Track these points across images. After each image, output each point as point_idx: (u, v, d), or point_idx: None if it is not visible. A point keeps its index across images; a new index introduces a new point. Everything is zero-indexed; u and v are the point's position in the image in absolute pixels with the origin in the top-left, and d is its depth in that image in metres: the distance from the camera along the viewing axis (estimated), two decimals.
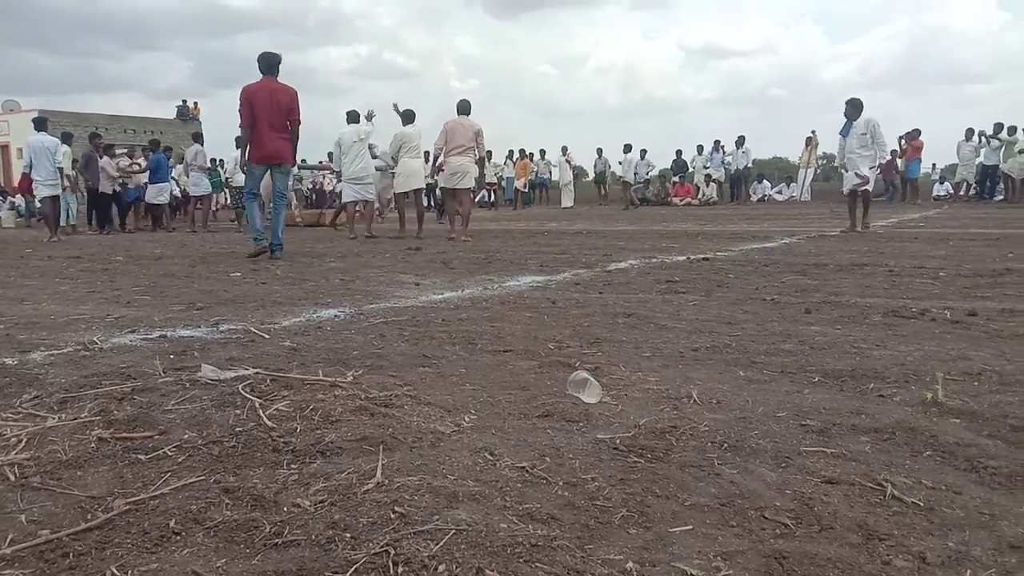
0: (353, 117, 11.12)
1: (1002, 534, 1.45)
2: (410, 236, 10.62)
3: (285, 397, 2.39)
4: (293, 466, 1.85)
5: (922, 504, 1.58)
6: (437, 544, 1.41)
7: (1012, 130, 18.45)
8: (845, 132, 10.11)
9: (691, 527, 1.50)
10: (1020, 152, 11.79)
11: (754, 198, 23.65)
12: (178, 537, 1.49)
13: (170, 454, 1.94)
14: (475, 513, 1.54)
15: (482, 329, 3.56)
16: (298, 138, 7.93)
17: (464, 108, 10.08)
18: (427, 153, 12.68)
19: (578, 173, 24.90)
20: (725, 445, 1.94)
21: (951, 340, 3.22)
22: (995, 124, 18.80)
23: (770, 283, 5.16)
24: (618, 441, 1.98)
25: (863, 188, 10.09)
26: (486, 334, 3.44)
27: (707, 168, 23.07)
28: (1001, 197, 19.12)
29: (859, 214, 10.35)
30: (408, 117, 10.61)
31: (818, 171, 28.63)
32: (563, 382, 2.51)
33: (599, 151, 24.96)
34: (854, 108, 10.01)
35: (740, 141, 22.98)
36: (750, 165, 23.73)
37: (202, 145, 14.84)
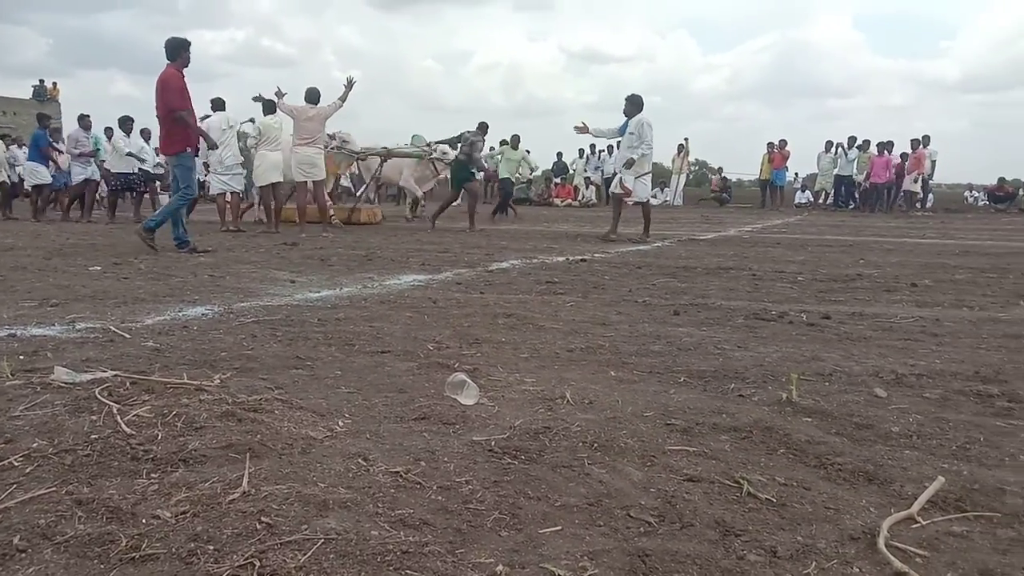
0: (219, 104, 10.68)
1: (844, 527, 1.56)
2: (290, 230, 10.31)
3: (146, 402, 2.26)
4: (153, 475, 1.76)
5: (775, 500, 1.68)
6: (305, 554, 1.38)
7: (866, 144, 19.89)
8: (622, 131, 9.47)
9: (560, 527, 1.53)
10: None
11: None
12: (23, 555, 1.39)
13: (16, 464, 1.81)
14: (346, 521, 1.52)
15: (360, 329, 3.51)
16: (175, 125, 7.45)
17: (312, 96, 9.89)
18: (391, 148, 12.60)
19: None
20: (595, 445, 2.00)
21: (806, 342, 3.43)
22: (849, 137, 20.20)
23: (643, 285, 5.34)
24: (493, 443, 2.00)
25: (635, 201, 9.63)
26: (364, 334, 3.39)
27: (586, 172, 23.58)
28: (855, 206, 20.59)
29: (642, 221, 10.12)
30: (269, 107, 10.31)
31: (690, 176, 29.85)
32: (441, 384, 2.51)
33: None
34: (632, 105, 9.22)
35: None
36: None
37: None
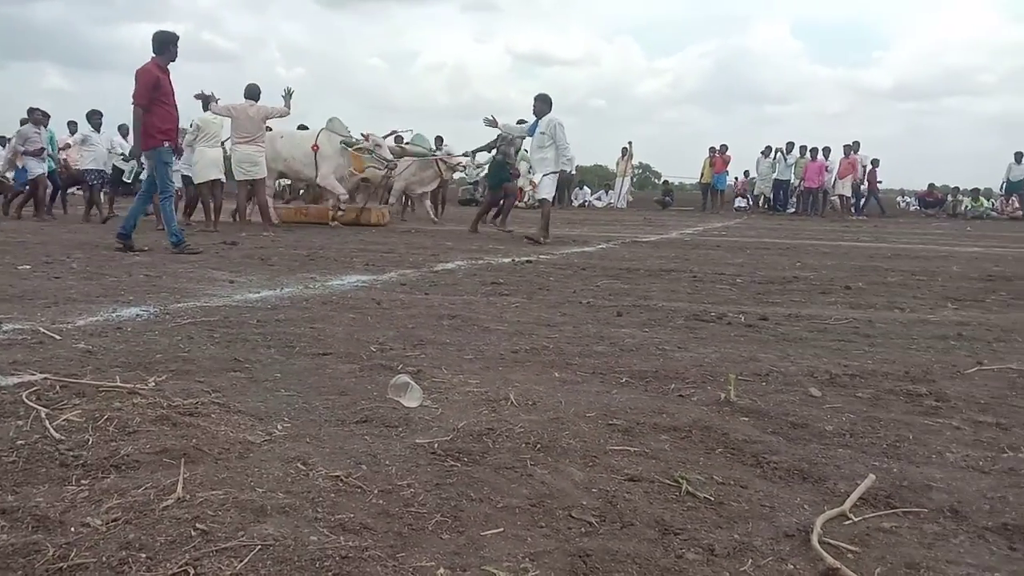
0: None
1: (780, 525, 1.59)
2: (234, 228, 10.09)
3: (76, 406, 2.19)
4: (83, 482, 1.70)
5: (713, 499, 1.71)
6: (241, 561, 1.35)
7: (803, 149, 20.46)
8: (531, 131, 9.47)
9: (502, 529, 1.53)
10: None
11: (575, 203, 24.58)
12: None
13: None
14: (284, 527, 1.49)
15: (301, 331, 3.46)
16: (137, 121, 7.22)
17: (252, 93, 9.71)
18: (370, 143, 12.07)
19: None
20: (538, 446, 2.00)
21: (744, 343, 3.51)
22: (787, 143, 20.77)
23: (587, 287, 5.38)
24: (436, 445, 1.99)
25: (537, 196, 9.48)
26: (305, 336, 3.34)
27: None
28: (793, 210, 21.15)
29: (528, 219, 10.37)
30: (207, 104, 10.11)
31: (634, 179, 30.24)
32: (384, 386, 2.49)
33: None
34: (543, 104, 9.15)
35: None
36: (573, 172, 24.66)
37: None
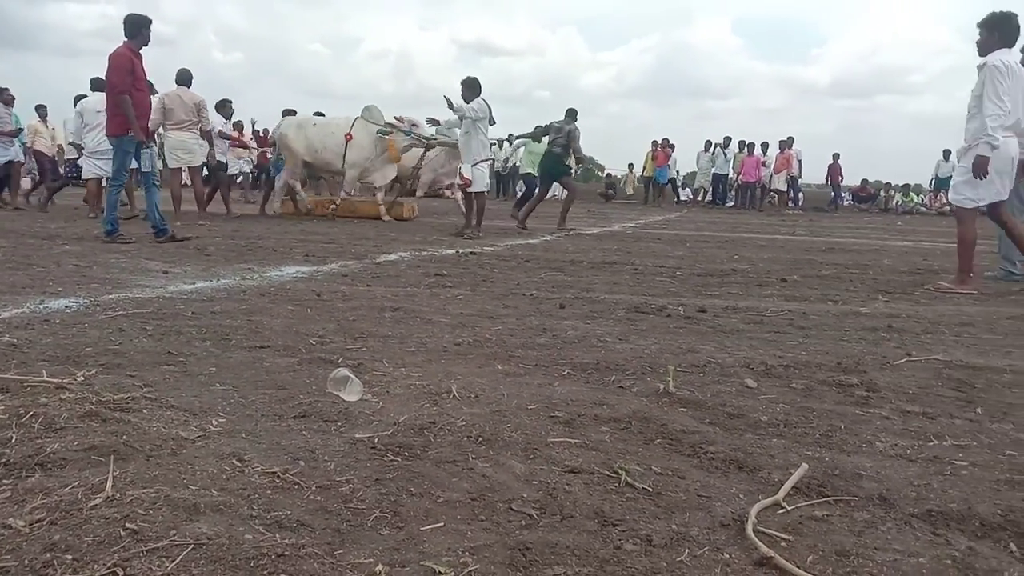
0: (98, 84, 10.03)
1: (716, 514, 1.62)
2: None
3: (0, 402, 2.10)
4: (6, 482, 1.63)
5: (651, 489, 1.73)
6: (172, 561, 1.32)
7: (741, 144, 20.88)
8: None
9: (443, 524, 1.52)
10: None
11: (519, 195, 24.59)
12: None
13: None
14: (218, 525, 1.45)
15: (238, 323, 3.38)
16: (116, 107, 6.96)
17: (184, 79, 9.44)
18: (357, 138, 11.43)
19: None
20: (480, 439, 2.00)
21: (683, 335, 3.56)
22: (725, 137, 21.18)
23: (531, 279, 5.40)
24: (376, 440, 1.97)
25: (470, 189, 9.32)
26: (242, 328, 3.27)
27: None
28: (731, 204, 21.59)
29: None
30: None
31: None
32: (323, 380, 2.45)
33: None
34: (469, 90, 8.84)
35: (510, 139, 23.83)
36: (518, 164, 24.67)
37: None
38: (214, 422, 2.07)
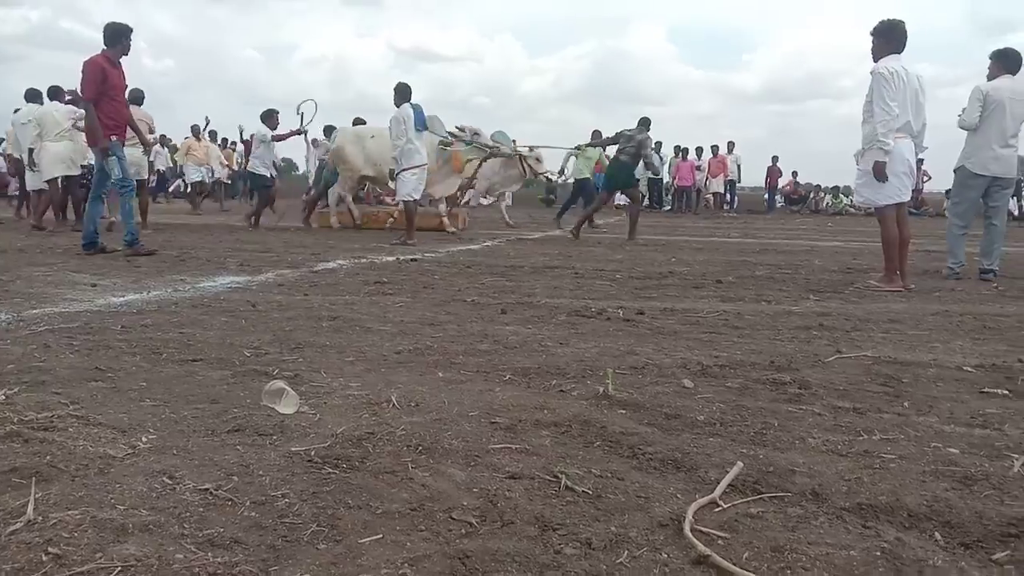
0: (32, 96, 9.72)
1: (654, 514, 1.64)
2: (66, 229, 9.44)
3: None
4: None
5: (591, 492, 1.74)
6: None
7: (676, 149, 21.31)
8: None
9: (381, 535, 1.50)
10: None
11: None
12: None
13: None
14: (147, 545, 1.40)
15: (169, 336, 3.28)
16: (90, 117, 6.75)
17: (136, 98, 9.26)
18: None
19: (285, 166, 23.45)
20: (420, 448, 1.98)
21: (622, 337, 3.60)
22: (656, 142, 21.55)
23: (472, 284, 5.39)
24: (313, 453, 1.93)
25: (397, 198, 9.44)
26: (173, 342, 3.17)
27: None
28: (668, 207, 21.96)
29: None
30: (52, 95, 9.53)
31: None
32: (258, 393, 2.39)
33: (314, 142, 23.94)
34: (398, 95, 8.88)
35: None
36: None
37: None
38: (144, 439, 2.00)
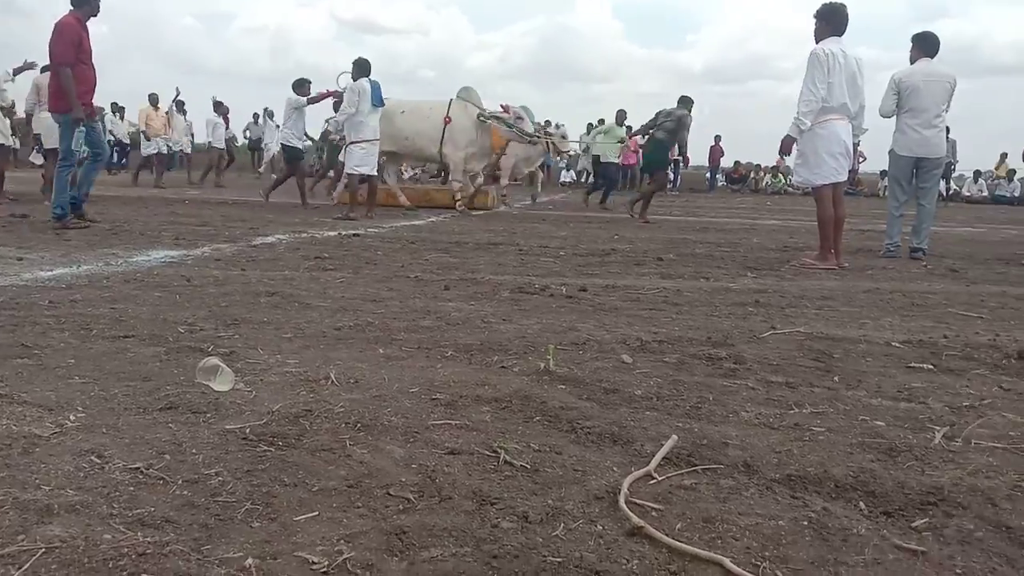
0: None
1: (590, 487, 1.66)
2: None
3: None
4: None
5: (529, 466, 1.75)
6: (19, 568, 1.23)
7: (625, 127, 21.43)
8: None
9: (317, 513, 1.49)
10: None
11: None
12: None
13: None
14: (73, 526, 1.37)
15: (100, 312, 3.18)
16: (59, 82, 6.40)
17: None
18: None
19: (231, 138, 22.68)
20: (359, 425, 1.97)
21: (564, 313, 3.62)
22: (599, 120, 21.63)
23: (416, 260, 5.35)
24: (248, 430, 1.90)
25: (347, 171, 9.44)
26: (104, 317, 3.08)
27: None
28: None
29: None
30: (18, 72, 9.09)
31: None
32: (192, 370, 2.34)
33: (255, 116, 23.25)
34: (356, 68, 9.00)
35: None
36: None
37: None
38: (72, 417, 1.94)
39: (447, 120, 10.17)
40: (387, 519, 1.47)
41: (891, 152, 6.75)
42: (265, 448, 1.80)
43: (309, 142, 10.81)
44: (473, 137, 10.25)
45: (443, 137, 10.18)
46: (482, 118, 10.23)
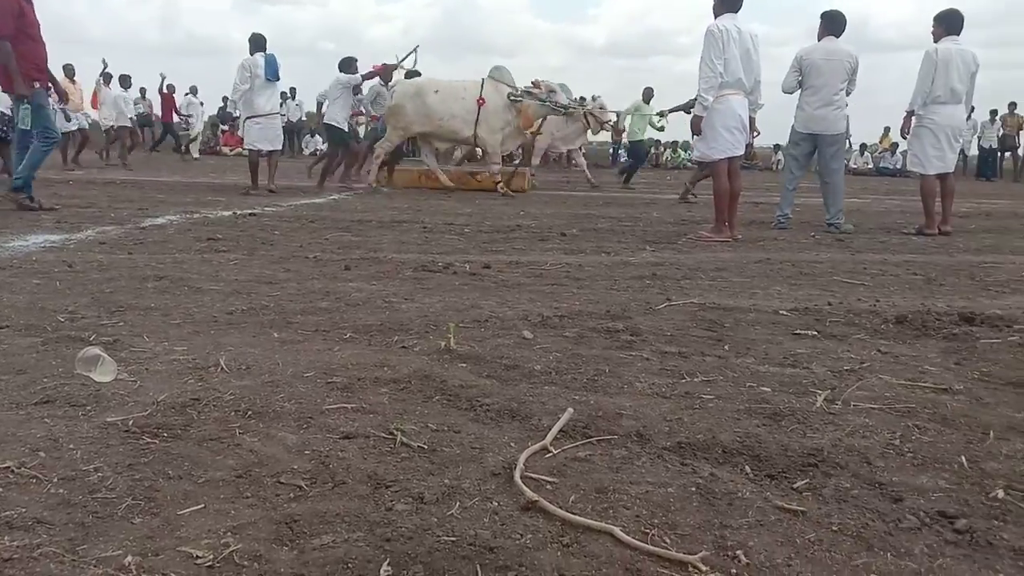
0: None
1: (487, 465, 1.66)
2: None
3: None
4: None
5: (426, 447, 1.75)
6: None
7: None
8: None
9: (203, 505, 1.44)
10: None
11: (306, 151, 23.72)
12: None
13: None
14: None
15: None
16: (7, 56, 5.81)
17: None
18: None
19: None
20: (249, 412, 1.91)
21: (467, 291, 3.62)
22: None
23: (315, 240, 5.23)
24: (131, 422, 1.82)
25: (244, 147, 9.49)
26: None
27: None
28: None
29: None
30: None
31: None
32: (71, 360, 2.22)
33: (142, 91, 22.15)
34: (251, 44, 8.99)
35: (292, 93, 22.83)
36: (303, 118, 23.75)
37: None
38: None
39: (481, 101, 9.90)
40: (277, 508, 1.44)
41: (792, 128, 7.03)
42: (149, 440, 1.73)
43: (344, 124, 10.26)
44: (508, 118, 10.03)
45: (477, 119, 9.93)
46: (512, 97, 9.99)
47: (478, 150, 11.02)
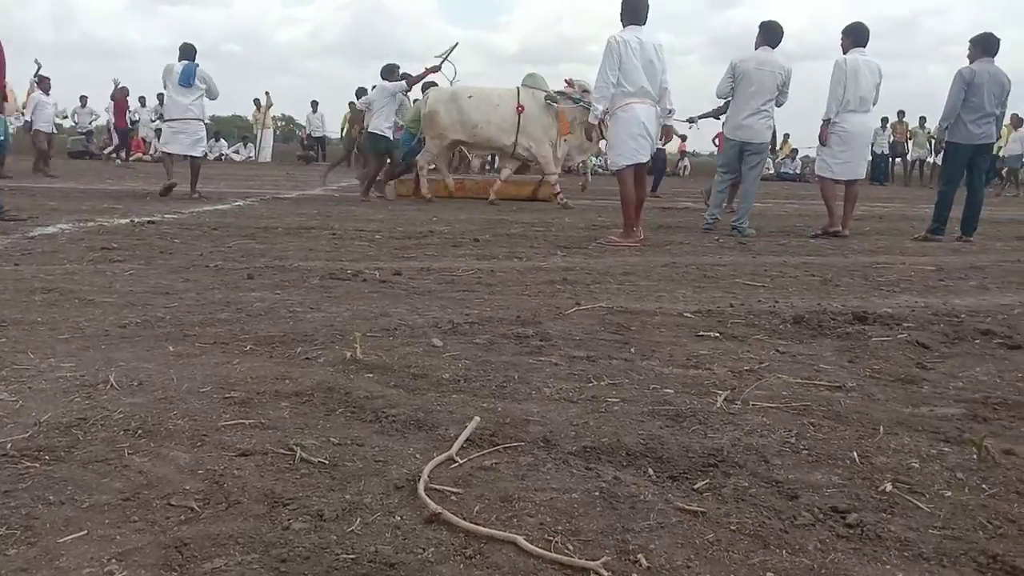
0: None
1: (391, 478, 1.63)
2: None
3: None
4: None
5: (327, 462, 1.70)
6: None
7: None
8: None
9: (86, 532, 1.36)
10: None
11: (211, 156, 22.98)
12: None
13: None
14: None
15: None
16: None
17: None
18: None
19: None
20: (139, 432, 1.82)
21: (377, 299, 3.56)
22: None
23: (217, 248, 5.06)
24: (9, 445, 1.70)
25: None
26: None
27: (155, 121, 21.51)
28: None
29: None
30: None
31: (277, 132, 29.18)
32: None
33: (83, 99, 21.06)
34: (181, 53, 9.09)
35: (314, 106, 22.63)
36: (207, 122, 23.07)
37: None
38: None
39: (520, 109, 9.55)
40: (166, 531, 1.37)
41: (722, 134, 7.33)
42: (29, 464, 1.62)
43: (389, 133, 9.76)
44: (547, 123, 9.68)
45: (518, 128, 9.58)
46: (548, 100, 9.66)
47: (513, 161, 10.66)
